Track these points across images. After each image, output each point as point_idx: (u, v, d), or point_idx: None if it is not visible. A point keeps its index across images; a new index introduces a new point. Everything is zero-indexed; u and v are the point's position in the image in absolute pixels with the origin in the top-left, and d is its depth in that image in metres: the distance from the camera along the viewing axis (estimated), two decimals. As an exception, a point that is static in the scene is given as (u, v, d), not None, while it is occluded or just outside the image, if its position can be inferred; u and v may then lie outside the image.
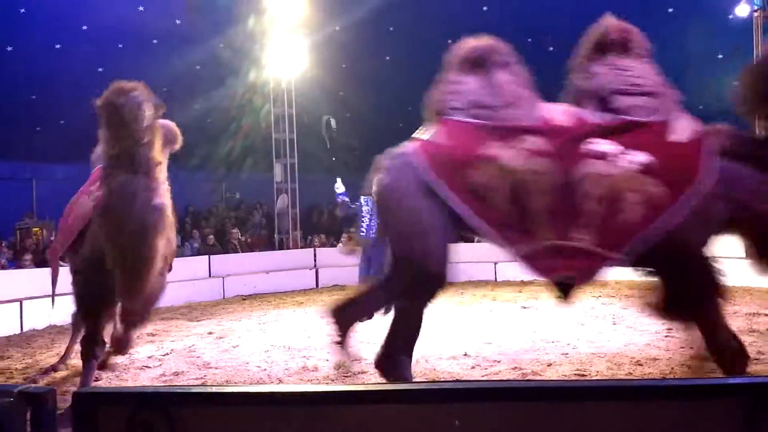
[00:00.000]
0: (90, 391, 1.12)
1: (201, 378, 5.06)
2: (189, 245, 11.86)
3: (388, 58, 13.23)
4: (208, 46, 12.35)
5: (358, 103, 13.80)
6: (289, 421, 1.03)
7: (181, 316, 8.37)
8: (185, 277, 10.24)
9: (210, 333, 6.96)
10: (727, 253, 9.13)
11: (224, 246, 11.93)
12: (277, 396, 1.09)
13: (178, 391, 1.16)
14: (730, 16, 10.79)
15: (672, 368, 4.60)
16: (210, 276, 10.64)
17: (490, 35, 12.53)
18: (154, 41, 12.11)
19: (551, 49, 12.88)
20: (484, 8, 12.40)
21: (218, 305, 9.46)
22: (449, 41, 13.89)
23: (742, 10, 10.47)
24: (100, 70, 11.88)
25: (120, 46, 11.67)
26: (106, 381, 5.04)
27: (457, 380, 4.49)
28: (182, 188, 14.33)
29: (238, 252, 11.83)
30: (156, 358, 5.79)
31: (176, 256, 10.91)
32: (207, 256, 10.94)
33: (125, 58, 11.74)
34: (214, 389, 1.17)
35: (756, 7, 10.21)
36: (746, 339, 5.39)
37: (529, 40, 12.85)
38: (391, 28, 12.75)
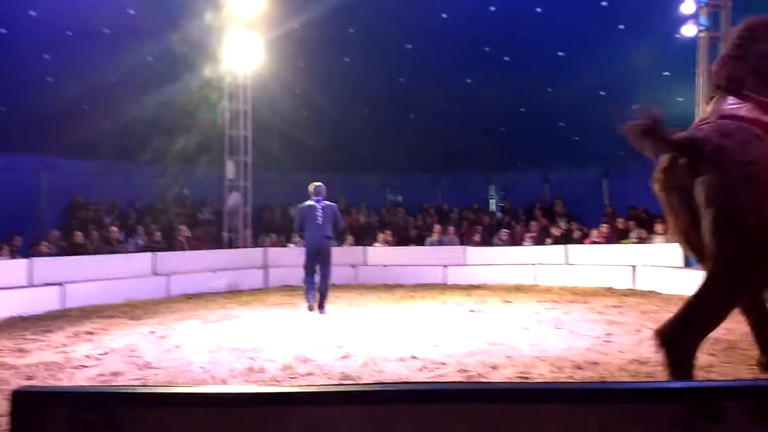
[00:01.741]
0: (29, 391, 1.06)
1: (141, 378, 4.90)
2: (132, 241, 11.51)
3: (347, 59, 13.18)
4: (161, 39, 12.02)
5: (315, 102, 13.71)
6: (237, 423, 1.01)
7: (121, 315, 8.10)
8: (127, 274, 9.94)
9: (152, 332, 6.76)
10: (665, 262, 9.47)
11: (171, 243, 11.62)
12: (225, 397, 1.06)
13: (123, 391, 1.11)
14: (677, 36, 11.23)
15: (611, 372, 4.74)
16: (154, 273, 10.34)
17: (448, 42, 12.64)
18: (105, 30, 11.70)
19: (506, 59, 13.15)
20: (444, 15, 12.51)
21: (162, 304, 9.20)
22: (409, 46, 14.02)
23: (688, 30, 10.93)
24: (46, 57, 11.41)
25: (69, 33, 11.21)
26: (40, 380, 4.82)
27: (404, 382, 4.51)
28: (128, 183, 13.96)
29: (185, 249, 11.54)
30: (94, 357, 5.58)
31: (119, 253, 10.64)
32: (151, 253, 10.63)
33: (74, 46, 11.31)
34: (160, 390, 1.13)
35: (702, 28, 10.68)
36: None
37: (486, 49, 13.08)
38: (351, 30, 12.71)
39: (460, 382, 4.45)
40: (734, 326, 6.42)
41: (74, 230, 10.79)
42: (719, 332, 6.15)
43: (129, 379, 4.91)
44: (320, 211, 8.11)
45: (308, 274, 8.14)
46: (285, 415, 1.00)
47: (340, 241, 11.68)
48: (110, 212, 12.87)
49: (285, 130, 13.84)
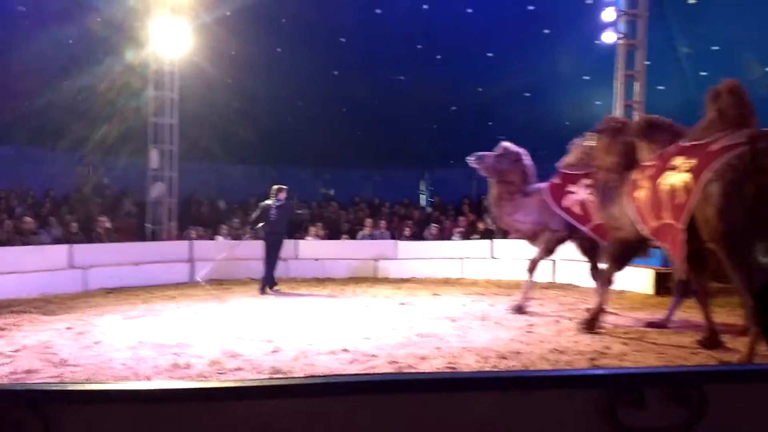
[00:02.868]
0: None
1: (57, 376, 4.66)
2: (47, 232, 10.86)
3: (279, 49, 12.97)
4: (82, 20, 11.37)
5: (247, 92, 13.40)
6: (170, 419, 0.99)
7: (35, 310, 7.63)
8: (41, 266, 9.38)
9: (69, 328, 6.42)
10: (583, 257, 9.91)
11: (89, 234, 11.04)
12: (157, 393, 1.04)
13: (54, 388, 1.07)
14: (597, 42, 11.80)
15: (532, 361, 4.97)
16: (70, 266, 9.81)
17: (382, 38, 12.73)
18: (21, 8, 10.96)
19: (438, 57, 13.37)
20: (378, 11, 12.55)
21: (79, 298, 8.74)
22: (342, 40, 13.97)
23: (608, 37, 11.50)
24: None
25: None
26: (-59, 379, 4.48)
27: (336, 374, 4.53)
28: (42, 171, 13.14)
29: (104, 242, 11.01)
30: (5, 354, 5.24)
31: (33, 244, 10.01)
32: (67, 245, 10.06)
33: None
34: (93, 386, 1.09)
35: (620, 35, 11.28)
36: (596, 335, 5.96)
37: (419, 46, 13.25)
38: (284, 20, 12.52)
39: (392, 373, 4.52)
40: (645, 317, 6.89)
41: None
42: (632, 323, 6.58)
43: (44, 377, 4.66)
44: (275, 210, 9.33)
45: (265, 264, 9.36)
46: (221, 410, 1.00)
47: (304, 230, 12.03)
48: (23, 201, 12.09)
49: (215, 120, 13.47)
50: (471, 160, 7.84)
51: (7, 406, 0.95)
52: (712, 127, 4.88)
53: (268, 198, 9.59)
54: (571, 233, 7.42)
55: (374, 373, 4.47)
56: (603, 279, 6.25)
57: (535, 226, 7.69)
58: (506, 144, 7.96)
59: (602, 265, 6.56)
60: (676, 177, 4.88)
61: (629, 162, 5.86)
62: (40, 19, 10.74)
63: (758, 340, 4.53)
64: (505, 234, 9.13)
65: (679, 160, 4.94)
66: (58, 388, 1.06)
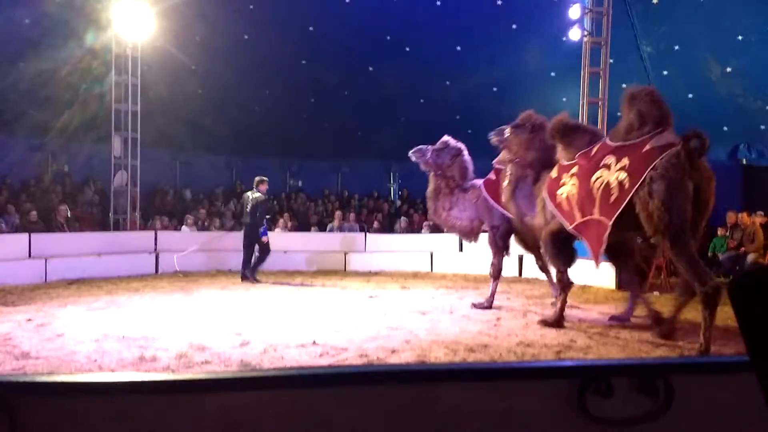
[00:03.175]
0: None
1: (19, 369, 4.53)
2: (5, 221, 10.49)
3: (246, 36, 12.77)
4: (39, 1, 10.96)
5: (212, 79, 13.15)
6: (139, 410, 0.99)
7: (-8, 301, 7.40)
8: (-1, 256, 9.08)
9: (29, 320, 6.24)
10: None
11: (48, 224, 10.70)
12: (130, 385, 1.02)
13: (22, 379, 1.05)
14: (564, 38, 11.99)
15: (500, 354, 5.05)
16: (30, 256, 9.51)
17: (351, 28, 12.72)
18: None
19: (407, 49, 13.38)
20: (347, 0, 12.47)
21: (39, 289, 8.49)
22: (310, 28, 13.84)
23: (574, 34, 11.69)
24: None
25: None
26: None
27: (307, 366, 4.52)
28: (0, 157, 12.65)
29: (65, 231, 10.69)
30: (-39, 347, 5.06)
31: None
32: (27, 234, 9.73)
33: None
34: (60, 378, 1.07)
35: (586, 32, 11.48)
36: (561, 329, 6.10)
37: (388, 38, 13.23)
38: (251, 6, 12.32)
39: (362, 365, 4.54)
40: (608, 311, 7.08)
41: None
42: (596, 317, 6.75)
43: (6, 369, 4.52)
44: (250, 201, 9.55)
45: (244, 253, 9.60)
46: (190, 402, 1.00)
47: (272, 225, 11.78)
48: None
49: (179, 107, 13.18)
50: (411, 153, 7.78)
51: None
52: (635, 128, 5.13)
53: (249, 190, 9.84)
54: (512, 226, 7.43)
55: (344, 365, 4.48)
56: (557, 279, 6.35)
57: (470, 222, 7.73)
58: (447, 138, 7.93)
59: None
60: (610, 175, 5.13)
61: (546, 159, 6.18)
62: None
63: (711, 328, 4.83)
64: (441, 230, 9.19)
65: (610, 160, 5.18)
66: (25, 380, 1.04)
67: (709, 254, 10.98)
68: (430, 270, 11.39)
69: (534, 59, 12.77)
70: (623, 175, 5.03)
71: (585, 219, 5.42)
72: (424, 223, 13.01)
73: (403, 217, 13.14)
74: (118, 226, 11.62)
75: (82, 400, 0.98)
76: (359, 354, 5.01)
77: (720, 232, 11.05)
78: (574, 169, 5.63)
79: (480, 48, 12.97)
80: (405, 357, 4.96)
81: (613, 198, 5.10)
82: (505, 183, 6.69)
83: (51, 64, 11.38)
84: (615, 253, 6.16)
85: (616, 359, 3.94)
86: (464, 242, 11.72)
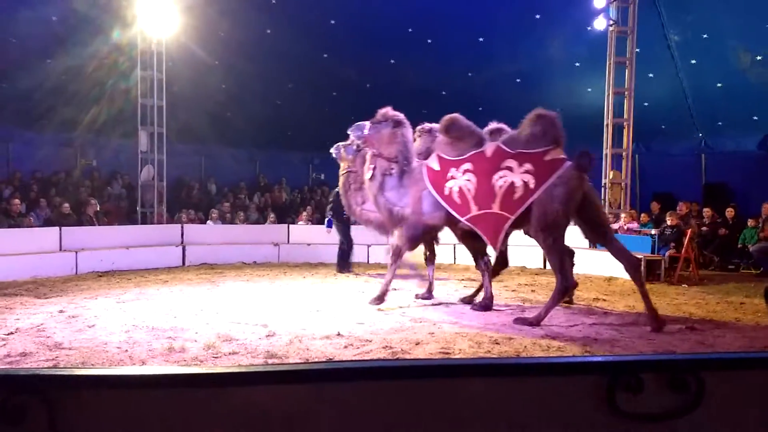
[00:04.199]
0: None
1: (53, 360, 4.65)
2: (36, 214, 10.75)
3: (269, 31, 12.82)
4: (66, -3, 11.15)
5: (235, 74, 13.26)
6: (172, 404, 1.01)
7: (26, 293, 7.60)
8: (32, 249, 9.31)
9: (61, 311, 6.39)
10: (572, 243, 10.09)
11: (78, 217, 10.95)
12: (165, 378, 1.05)
13: (58, 373, 1.08)
14: (589, 28, 11.82)
15: (525, 346, 5.02)
16: (61, 249, 9.74)
17: (372, 20, 12.71)
18: (0, -18, 10.70)
19: (429, 41, 13.30)
20: (368, -7, 12.45)
21: (70, 281, 8.70)
22: (332, 22, 13.84)
23: (599, 23, 11.52)
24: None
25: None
26: (-65, 364, 4.46)
27: (331, 360, 4.57)
28: (30, 152, 12.96)
29: (94, 224, 10.92)
30: (-2, 337, 5.22)
31: (21, 226, 9.91)
32: (57, 228, 9.97)
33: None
34: (98, 371, 1.10)
35: (611, 21, 11.31)
36: (587, 321, 6.06)
37: (410, 30, 13.16)
38: (274, 1, 12.36)
39: (389, 359, 4.57)
40: (635, 304, 7.00)
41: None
42: (622, 310, 6.68)
43: (39, 360, 4.64)
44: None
45: (340, 247, 9.86)
46: (221, 395, 1.02)
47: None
48: (10, 183, 11.93)
49: (203, 102, 13.33)
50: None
51: (10, 392, 0.96)
52: (535, 141, 5.97)
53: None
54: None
55: (371, 359, 4.51)
56: (395, 255, 6.81)
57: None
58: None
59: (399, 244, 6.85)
60: (515, 176, 5.94)
61: (407, 152, 6.84)
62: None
63: (550, 309, 5.84)
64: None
65: (512, 163, 6.00)
66: (62, 373, 1.07)
67: (739, 245, 10.79)
68: (453, 262, 11.37)
69: (558, 49, 12.60)
70: (529, 177, 5.85)
71: (482, 212, 6.13)
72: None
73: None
74: (145, 220, 11.84)
75: (115, 392, 1.01)
76: (383, 346, 5.03)
77: (750, 223, 10.83)
78: (467, 166, 6.28)
79: (503, 39, 12.84)
80: (429, 349, 4.96)
81: (517, 196, 5.89)
82: (368, 176, 7.01)
83: (78, 61, 11.59)
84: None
85: (646, 354, 3.91)
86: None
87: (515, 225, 6.11)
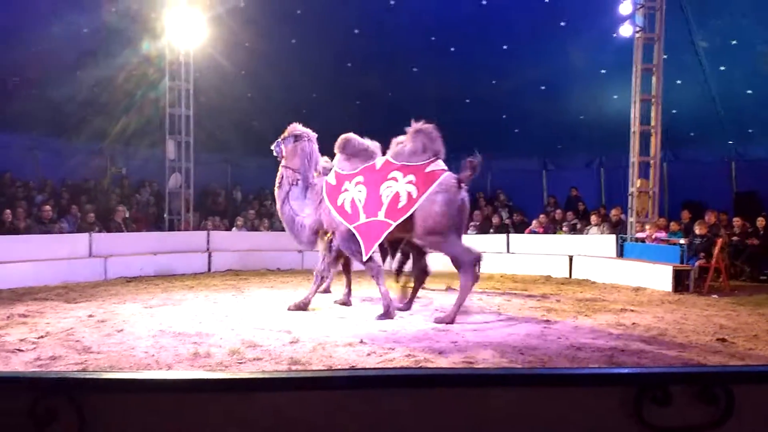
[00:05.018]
0: None
1: (81, 363, 4.74)
2: (67, 221, 11.01)
3: (294, 41, 12.98)
4: (98, 10, 11.44)
5: (260, 84, 13.44)
6: (199, 408, 1.03)
7: (56, 297, 7.78)
8: (62, 255, 9.53)
9: (90, 316, 6.53)
10: (599, 253, 9.99)
11: (107, 224, 11.18)
12: (195, 383, 1.07)
13: (87, 376, 1.11)
14: (615, 35, 11.69)
15: (550, 357, 4.96)
16: (90, 255, 9.95)
17: (395, 29, 12.88)
18: (35, -5, 11.03)
19: (452, 49, 13.31)
20: (391, 2, 12.51)
21: (99, 286, 8.88)
22: (356, 31, 13.97)
23: (625, 30, 11.39)
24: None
25: (-5, -2, 10.51)
26: (-31, 366, 4.58)
27: (353, 367, 4.57)
28: (59, 160, 13.28)
29: (123, 231, 11.14)
30: (29, 341, 5.34)
31: (52, 232, 10.16)
32: (87, 234, 10.20)
33: (2, 12, 10.61)
34: (126, 375, 1.12)
35: (638, 28, 11.18)
36: (613, 332, 5.96)
37: (433, 38, 13.19)
38: (299, 11, 12.51)
39: (412, 367, 4.55)
40: (663, 314, 6.87)
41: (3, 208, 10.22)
42: (650, 320, 6.57)
43: (68, 363, 4.74)
44: None
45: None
46: (245, 400, 1.03)
47: None
48: (41, 190, 12.25)
49: (229, 111, 13.53)
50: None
51: (41, 394, 0.98)
52: (418, 154, 6.56)
53: None
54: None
55: (395, 368, 4.50)
56: (326, 267, 7.21)
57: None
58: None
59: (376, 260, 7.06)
60: (399, 187, 6.45)
61: (310, 164, 7.34)
62: (56, 7, 10.80)
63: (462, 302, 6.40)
64: (487, 230, 9.00)
65: (397, 174, 6.52)
66: (90, 377, 1.10)
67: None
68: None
69: (583, 57, 12.49)
70: (411, 187, 6.40)
71: (368, 220, 6.56)
72: (471, 224, 12.93)
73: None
74: (172, 226, 12.03)
75: (142, 396, 1.03)
76: (406, 354, 5.02)
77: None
78: (359, 178, 6.79)
79: (527, 46, 12.78)
80: (452, 359, 4.92)
81: (401, 204, 6.40)
82: (276, 185, 7.51)
83: (108, 72, 11.88)
84: (402, 250, 7.60)
85: (674, 366, 3.83)
86: (510, 243, 11.63)
87: (402, 231, 6.55)
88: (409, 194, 6.39)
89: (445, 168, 6.55)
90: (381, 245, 7.10)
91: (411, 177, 6.45)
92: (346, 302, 7.48)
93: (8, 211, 10.07)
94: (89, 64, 11.92)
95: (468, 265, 6.39)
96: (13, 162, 12.39)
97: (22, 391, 1.00)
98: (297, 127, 7.50)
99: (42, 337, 5.50)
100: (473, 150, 6.65)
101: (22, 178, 12.21)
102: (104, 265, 9.84)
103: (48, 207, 10.79)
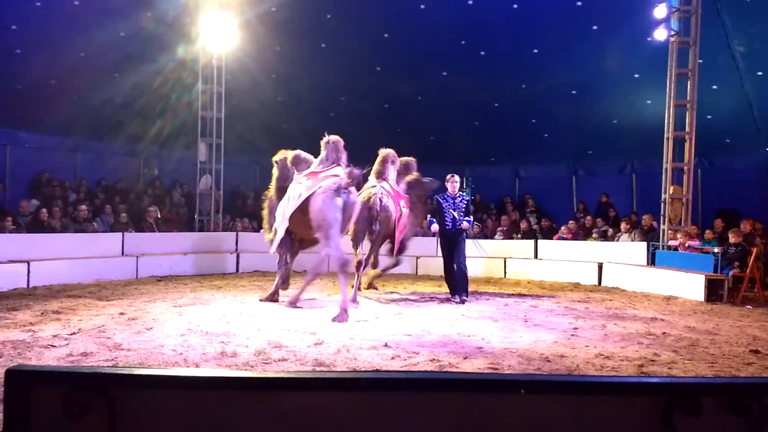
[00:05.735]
0: (23, 370, 1.07)
1: (112, 360, 4.85)
2: (101, 221, 11.28)
3: (324, 45, 13.08)
4: (134, 16, 11.72)
5: (291, 87, 13.58)
6: (228, 406, 1.04)
7: (89, 295, 7.97)
8: (96, 253, 9.77)
9: (121, 314, 6.68)
10: (630, 260, 9.81)
11: (139, 224, 11.42)
12: (222, 381, 1.08)
13: (119, 372, 1.13)
14: (649, 39, 11.48)
15: (577, 365, 4.88)
16: (123, 254, 10.18)
17: (425, 33, 13.05)
18: (75, 2, 11.35)
19: (482, 53, 13.24)
20: (422, 6, 12.50)
21: (130, 285, 9.07)
22: (385, 35, 14.03)
23: (660, 34, 11.17)
24: (13, 27, 11.03)
25: (37, 3, 10.83)
26: (6, 359, 4.73)
27: (377, 370, 4.57)
28: (98, 162, 13.62)
29: (155, 231, 11.36)
30: (62, 337, 5.48)
31: (87, 231, 10.43)
32: (120, 234, 10.44)
33: (42, 18, 10.95)
34: (156, 372, 1.15)
35: (673, 32, 10.96)
36: (644, 341, 5.84)
37: (463, 42, 13.14)
38: (329, 16, 12.60)
39: (437, 371, 4.53)
40: (695, 324, 6.71)
41: (40, 207, 10.54)
42: (681, 330, 6.41)
43: (99, 360, 4.85)
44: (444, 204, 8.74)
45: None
46: (271, 399, 1.04)
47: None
48: (77, 190, 12.58)
49: (259, 113, 13.69)
50: None
51: (74, 389, 1.01)
52: (324, 162, 7.50)
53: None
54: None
55: (419, 371, 4.49)
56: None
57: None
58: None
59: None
60: (301, 190, 7.28)
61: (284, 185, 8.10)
62: (94, 13, 11.09)
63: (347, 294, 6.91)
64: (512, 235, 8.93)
65: (307, 181, 7.33)
66: (121, 373, 1.11)
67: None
68: (503, 276, 11.21)
69: (616, 60, 12.28)
70: (303, 188, 7.25)
71: (284, 219, 7.51)
72: (498, 229, 12.84)
73: (475, 222, 13.01)
74: (202, 227, 12.23)
75: (170, 392, 1.05)
76: (430, 359, 5.00)
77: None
78: (291, 185, 7.67)
79: (558, 50, 12.63)
80: (477, 364, 4.89)
81: (292, 204, 7.31)
82: (265, 205, 8.66)
83: (144, 76, 12.15)
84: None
85: (706, 377, 3.73)
86: (539, 249, 11.50)
87: (303, 229, 7.37)
88: (300, 195, 7.24)
89: (337, 173, 7.27)
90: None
91: (309, 183, 7.28)
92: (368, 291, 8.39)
93: (44, 210, 10.37)
94: (127, 68, 12.22)
95: (337, 262, 6.98)
96: (54, 163, 12.78)
97: (56, 384, 1.03)
98: (284, 155, 8.27)
99: (74, 333, 5.64)
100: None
101: (59, 179, 12.55)
102: (136, 264, 10.05)
103: (84, 207, 11.08)
